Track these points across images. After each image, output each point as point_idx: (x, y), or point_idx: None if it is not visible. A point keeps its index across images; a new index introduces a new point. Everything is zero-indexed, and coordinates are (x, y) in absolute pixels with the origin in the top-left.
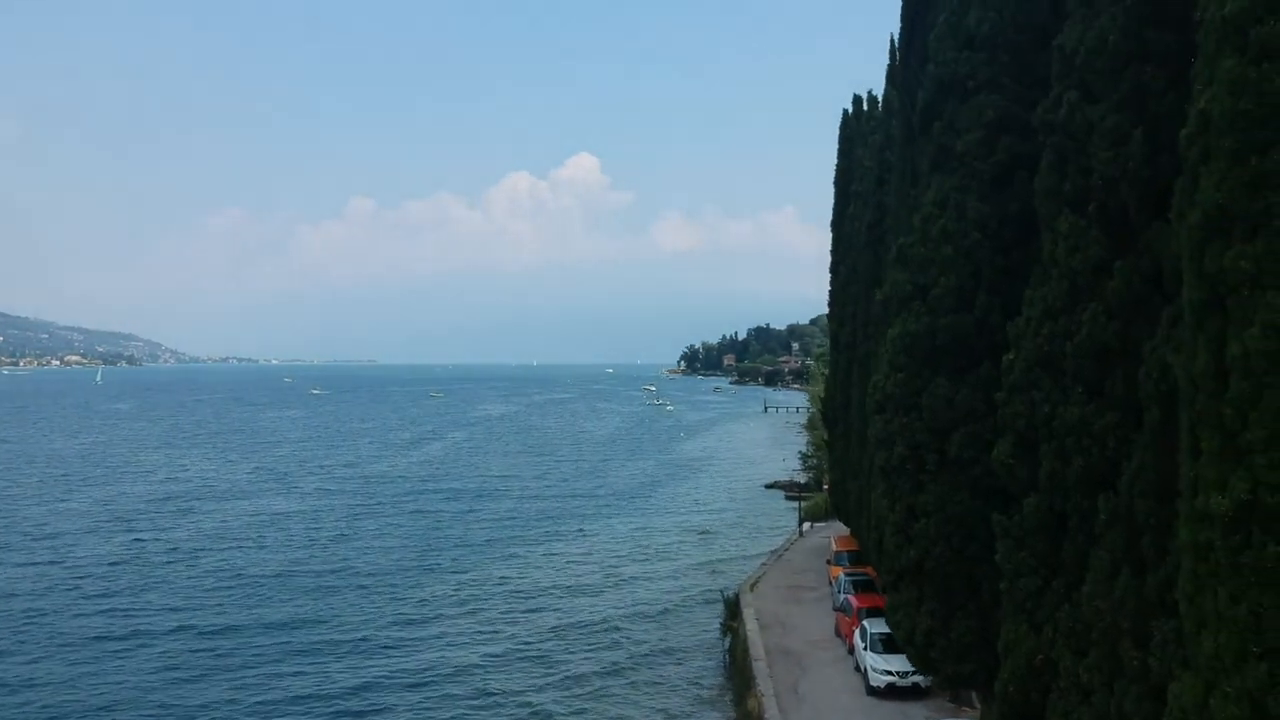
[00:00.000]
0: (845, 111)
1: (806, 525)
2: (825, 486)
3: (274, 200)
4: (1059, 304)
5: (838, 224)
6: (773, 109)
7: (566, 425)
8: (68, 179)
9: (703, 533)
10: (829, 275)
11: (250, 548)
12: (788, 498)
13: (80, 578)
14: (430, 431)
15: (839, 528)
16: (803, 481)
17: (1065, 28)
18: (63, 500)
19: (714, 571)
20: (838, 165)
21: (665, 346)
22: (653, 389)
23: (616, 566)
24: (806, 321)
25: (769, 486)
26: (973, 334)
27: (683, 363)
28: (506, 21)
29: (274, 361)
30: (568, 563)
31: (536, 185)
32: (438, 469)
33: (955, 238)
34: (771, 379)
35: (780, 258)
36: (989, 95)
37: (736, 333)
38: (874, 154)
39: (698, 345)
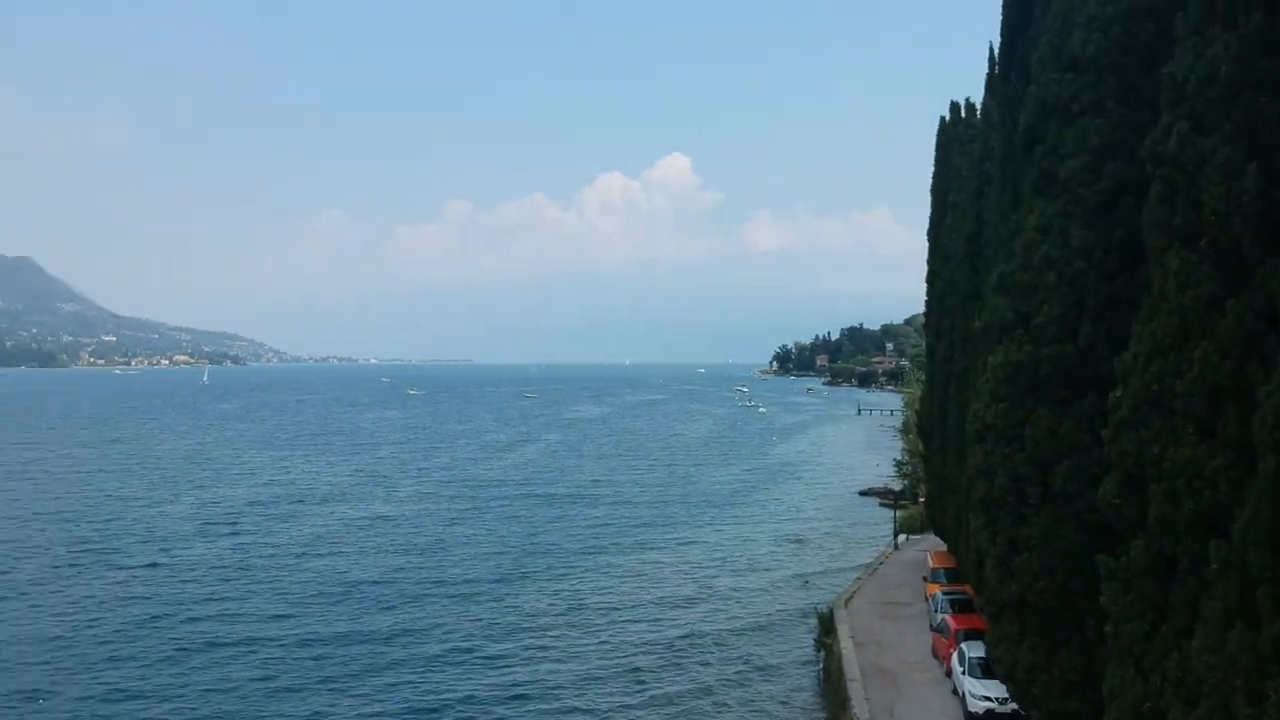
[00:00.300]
0: (942, 119)
1: (902, 537)
2: (921, 499)
3: (373, 203)
4: (1168, 341)
5: (935, 233)
6: (867, 109)
7: (659, 427)
8: (174, 182)
9: (796, 542)
10: (925, 284)
11: (351, 553)
12: (882, 505)
13: (188, 582)
14: (525, 434)
15: (935, 541)
16: (898, 489)
17: (1175, 55)
18: (171, 503)
19: (808, 584)
20: (935, 173)
21: (757, 346)
22: (744, 390)
23: (710, 577)
24: (900, 321)
25: (863, 493)
26: (1077, 364)
27: (775, 363)
28: (600, 23)
29: (373, 361)
30: (661, 573)
31: (629, 185)
32: (533, 473)
33: (1058, 265)
34: (865, 380)
35: (873, 257)
36: (1093, 119)
37: (829, 333)
38: (973, 164)
39: (790, 346)
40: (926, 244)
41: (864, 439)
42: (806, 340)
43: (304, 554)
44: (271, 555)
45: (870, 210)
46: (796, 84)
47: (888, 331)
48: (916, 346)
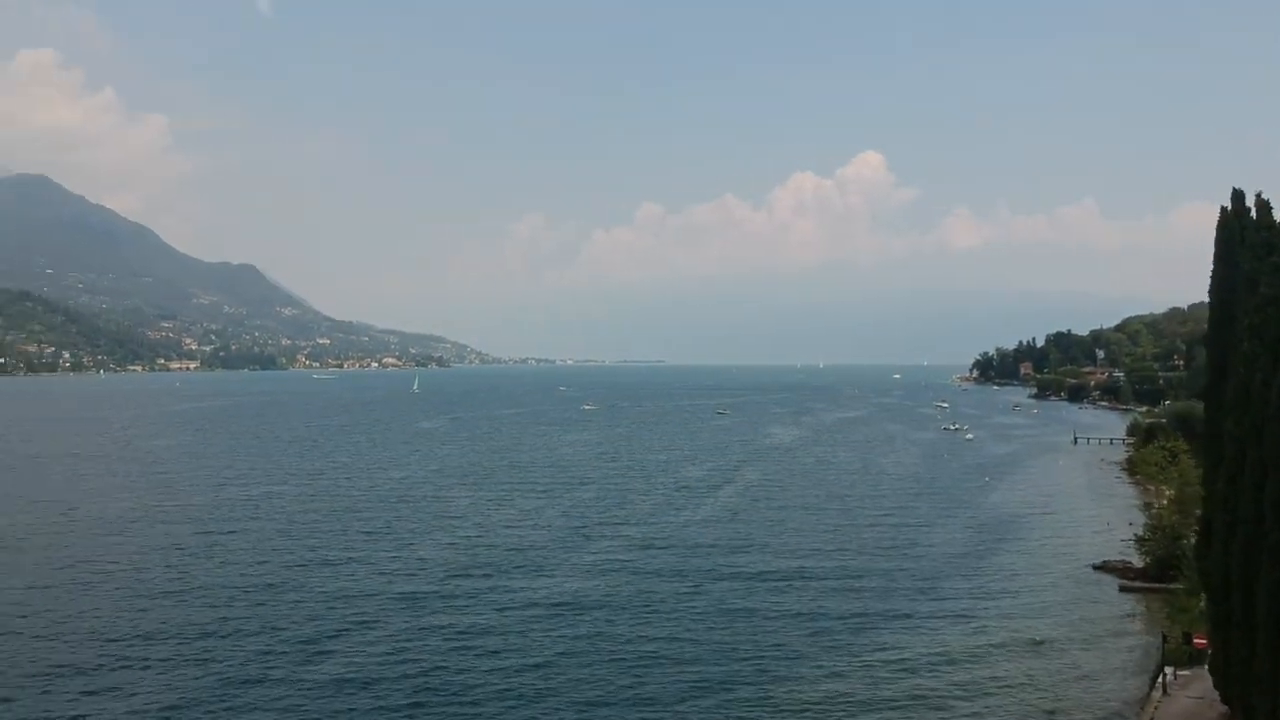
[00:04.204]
0: (1224, 210)
1: (1169, 672)
2: (1197, 640)
3: (570, 207)
4: None
5: (1217, 341)
6: (1064, 98)
7: (860, 459)
8: (381, 191)
9: (1033, 644)
10: (1202, 403)
11: (546, 653)
12: (1123, 589)
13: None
14: (723, 468)
15: (1208, 686)
16: (1138, 565)
17: None
18: (377, 570)
19: (1054, 712)
20: (1215, 272)
21: (954, 348)
22: (945, 406)
23: (935, 689)
24: (1111, 327)
25: (1098, 567)
26: None
27: (975, 370)
28: (789, 22)
29: (569, 362)
30: (877, 677)
31: (821, 184)
32: (738, 530)
33: None
34: (1076, 394)
35: (1079, 255)
36: None
37: (1034, 339)
38: None
39: (991, 352)
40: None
41: (1085, 480)
42: (1009, 344)
43: (519, 634)
44: (471, 634)
45: (1075, 202)
46: (991, 74)
47: (1098, 338)
48: (1130, 354)
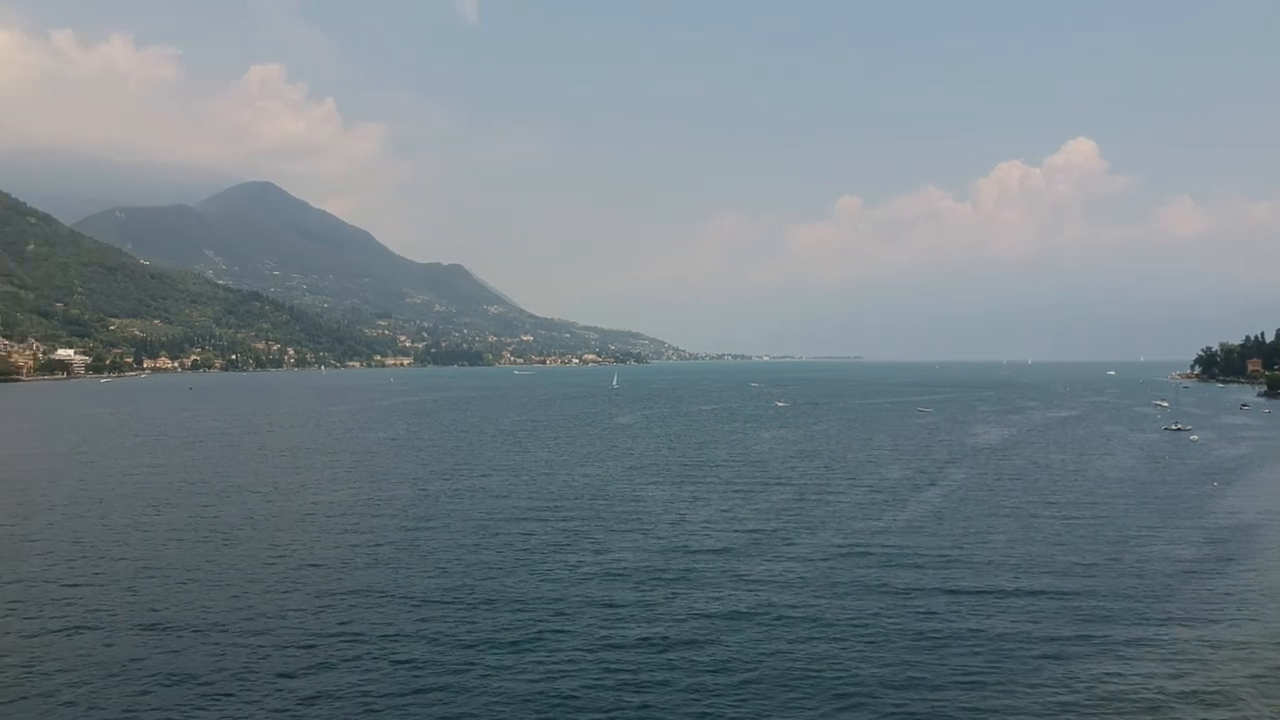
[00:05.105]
0: None
1: None
2: None
3: (765, 203)
4: None
5: None
6: None
7: (1075, 462)
8: (583, 191)
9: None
10: None
11: (741, 661)
12: None
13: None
14: (927, 470)
15: None
16: None
17: None
18: (579, 561)
19: None
20: None
21: (1172, 344)
22: (1165, 405)
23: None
24: None
25: None
26: None
27: (1197, 367)
28: (992, 15)
29: (764, 358)
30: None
31: (1029, 174)
32: (939, 535)
33: None
34: None
35: None
36: None
37: (1262, 333)
38: None
39: (1215, 347)
40: None
41: None
42: (1234, 339)
43: (693, 665)
44: (659, 658)
45: None
46: (1213, 51)
47: None
48: None
